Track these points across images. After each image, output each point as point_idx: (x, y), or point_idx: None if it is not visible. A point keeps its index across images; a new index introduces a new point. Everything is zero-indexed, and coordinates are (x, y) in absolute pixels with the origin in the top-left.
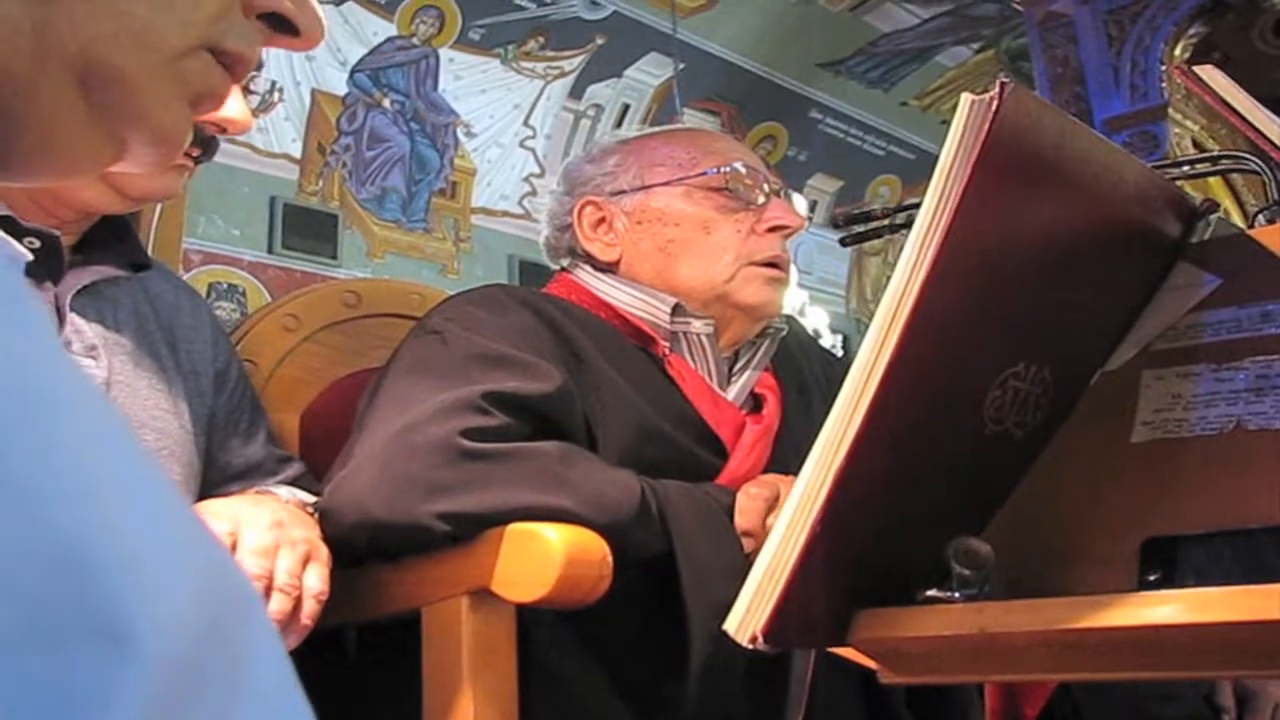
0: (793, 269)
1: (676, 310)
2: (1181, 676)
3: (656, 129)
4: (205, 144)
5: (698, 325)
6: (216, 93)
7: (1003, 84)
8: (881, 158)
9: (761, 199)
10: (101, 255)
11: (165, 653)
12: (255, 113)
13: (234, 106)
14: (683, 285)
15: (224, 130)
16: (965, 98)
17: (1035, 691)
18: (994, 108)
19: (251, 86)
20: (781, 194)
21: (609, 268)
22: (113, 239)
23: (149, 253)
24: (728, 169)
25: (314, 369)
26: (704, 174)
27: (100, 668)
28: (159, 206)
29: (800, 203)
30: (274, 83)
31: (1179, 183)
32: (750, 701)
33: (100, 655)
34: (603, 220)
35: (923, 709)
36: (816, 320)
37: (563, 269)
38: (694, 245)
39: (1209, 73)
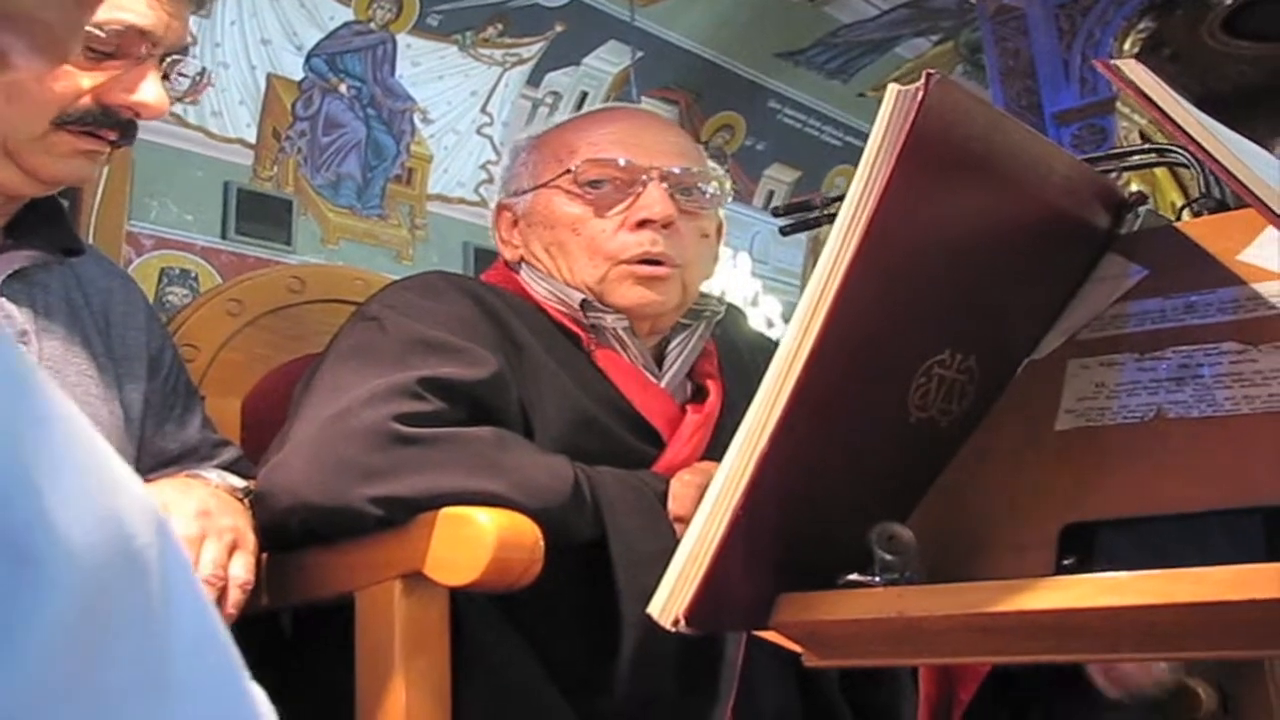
0: (746, 257)
1: (585, 305)
2: (1096, 659)
3: (568, 118)
4: (123, 128)
5: (610, 320)
6: None
7: (928, 75)
8: (839, 148)
9: (633, 191)
10: (31, 240)
11: (76, 576)
12: (184, 96)
13: (149, 90)
14: (574, 286)
15: (138, 115)
16: (891, 88)
17: (969, 674)
18: (919, 99)
19: (181, 70)
20: (672, 177)
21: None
22: (43, 223)
23: (90, 237)
24: (589, 162)
25: (257, 354)
26: (569, 171)
27: (9, 585)
28: (99, 190)
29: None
30: (204, 69)
31: (1127, 174)
32: (681, 685)
33: (8, 573)
34: (515, 222)
35: (857, 693)
36: (770, 310)
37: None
38: (567, 248)
39: (1131, 66)
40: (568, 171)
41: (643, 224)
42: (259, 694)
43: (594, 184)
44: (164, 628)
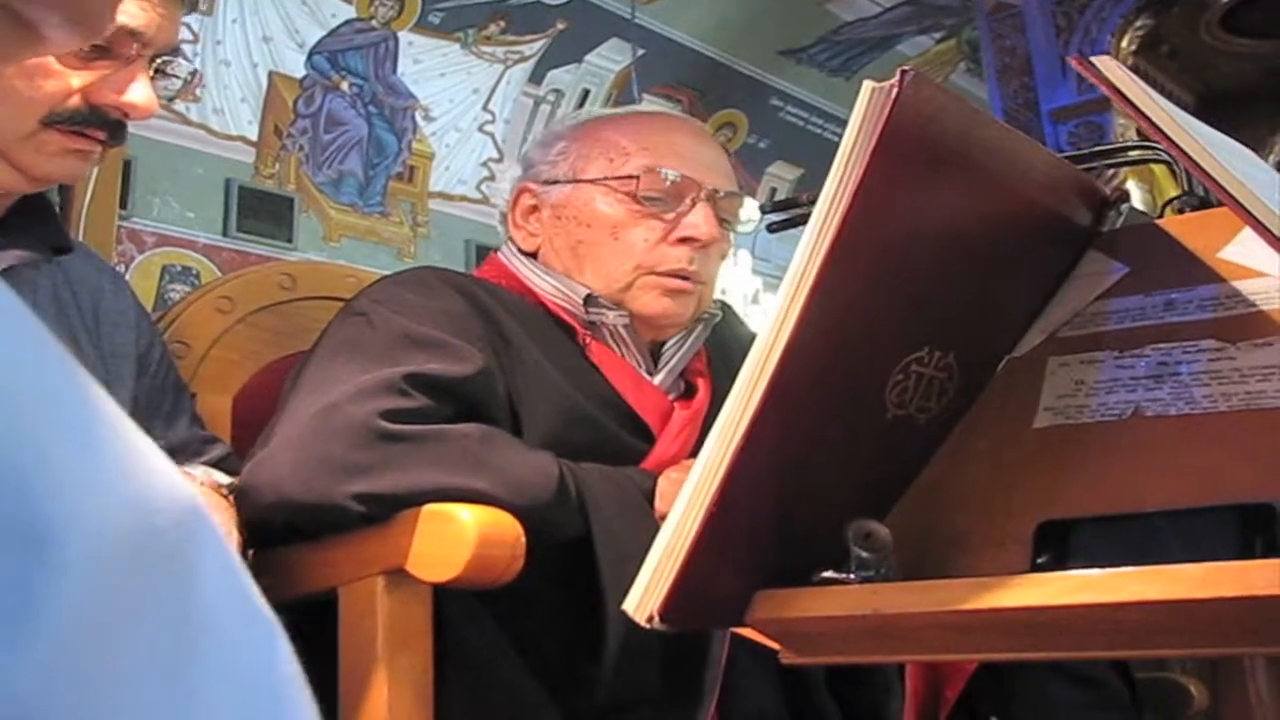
0: (746, 255)
1: (589, 300)
2: (1069, 657)
3: (616, 111)
4: (112, 129)
5: (611, 316)
6: None
7: (903, 72)
8: None
9: (681, 206)
10: (19, 238)
11: (95, 558)
12: (176, 97)
13: (138, 91)
14: (589, 286)
15: (127, 115)
16: (866, 85)
17: (956, 672)
18: (894, 96)
19: (170, 70)
20: (717, 198)
21: (532, 254)
22: (33, 222)
23: (81, 234)
24: (647, 171)
25: (248, 351)
26: (624, 176)
27: (21, 566)
28: (90, 187)
29: (752, 206)
30: (196, 70)
31: (1124, 171)
32: (666, 683)
33: (21, 554)
34: (535, 209)
35: (843, 691)
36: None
37: (495, 250)
38: (600, 249)
39: (1105, 63)
40: (632, 177)
41: (684, 240)
42: (300, 688)
43: (646, 193)
44: (189, 613)
